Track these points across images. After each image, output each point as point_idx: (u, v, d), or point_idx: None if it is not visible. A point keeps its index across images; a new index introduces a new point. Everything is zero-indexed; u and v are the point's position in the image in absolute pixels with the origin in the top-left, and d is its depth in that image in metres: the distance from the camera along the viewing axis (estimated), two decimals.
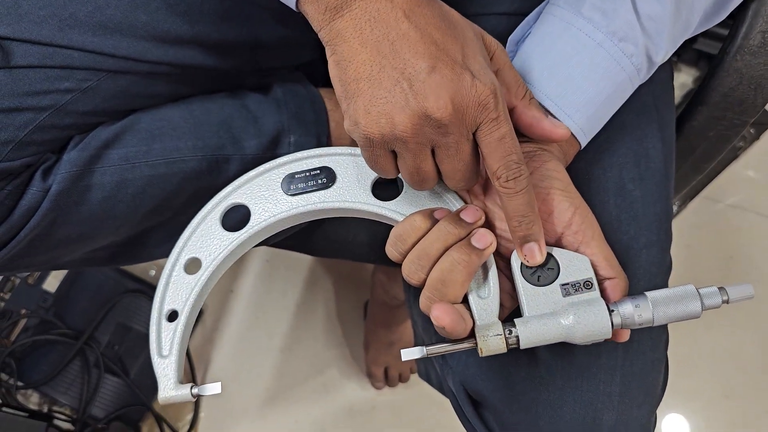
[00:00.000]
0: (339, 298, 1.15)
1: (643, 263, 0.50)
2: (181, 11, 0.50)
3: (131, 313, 1.05)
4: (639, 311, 0.40)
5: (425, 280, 0.42)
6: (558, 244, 0.43)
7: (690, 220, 1.18)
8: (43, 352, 1.02)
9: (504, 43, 0.53)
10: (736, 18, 0.56)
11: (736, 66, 0.56)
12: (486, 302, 0.42)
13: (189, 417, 1.06)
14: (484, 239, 0.41)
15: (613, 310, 0.41)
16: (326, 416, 1.07)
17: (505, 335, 0.40)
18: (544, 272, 0.42)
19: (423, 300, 0.42)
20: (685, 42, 0.50)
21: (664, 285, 0.51)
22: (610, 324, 0.40)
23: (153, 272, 1.12)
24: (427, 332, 0.61)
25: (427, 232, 0.43)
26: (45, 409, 1.02)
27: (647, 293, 0.41)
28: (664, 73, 0.57)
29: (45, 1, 0.47)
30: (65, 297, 1.06)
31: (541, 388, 0.47)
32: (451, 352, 0.42)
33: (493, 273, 0.43)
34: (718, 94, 0.56)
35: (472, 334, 0.41)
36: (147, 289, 1.07)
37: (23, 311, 1.05)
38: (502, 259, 0.45)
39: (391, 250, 0.44)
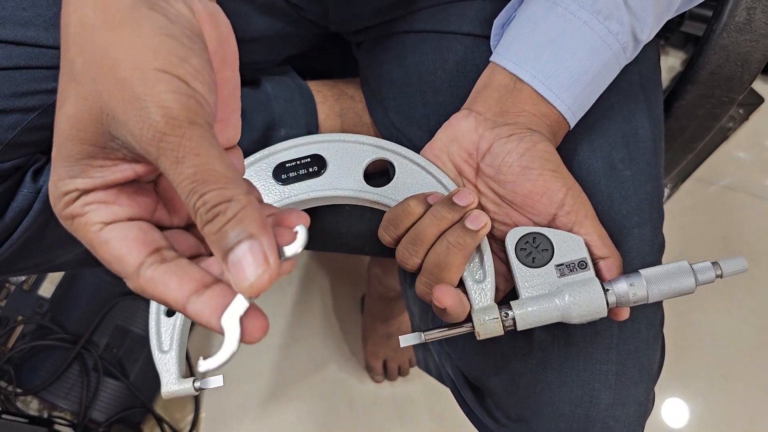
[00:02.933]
0: (335, 293, 1.15)
1: (635, 242, 0.50)
2: None
3: (129, 316, 1.05)
4: (633, 289, 0.41)
5: (420, 265, 0.42)
6: (551, 224, 0.44)
7: (683, 201, 1.19)
8: (41, 357, 1.01)
9: (477, 57, 0.53)
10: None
11: (722, 43, 0.56)
12: (482, 285, 0.42)
13: (190, 417, 1.05)
14: (477, 221, 0.41)
15: (608, 289, 0.41)
16: (327, 411, 1.07)
17: (501, 318, 0.41)
18: (538, 253, 0.42)
19: (419, 285, 0.42)
20: (672, 25, 0.50)
21: (658, 263, 0.52)
22: (605, 303, 0.40)
23: None
24: (424, 321, 0.61)
25: (420, 217, 0.43)
26: (45, 415, 1.01)
27: (641, 270, 0.41)
28: (651, 53, 0.58)
29: (27, 3, 0.47)
30: (61, 302, 1.05)
31: (539, 369, 0.48)
32: (449, 336, 0.42)
33: (487, 256, 0.43)
34: (706, 72, 0.56)
35: (468, 318, 0.41)
36: None
37: (19, 317, 1.04)
38: (496, 241, 0.45)
39: (384, 234, 0.44)
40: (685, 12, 0.85)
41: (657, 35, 0.52)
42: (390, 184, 0.47)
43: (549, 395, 0.47)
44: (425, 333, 0.41)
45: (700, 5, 0.52)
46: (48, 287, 1.07)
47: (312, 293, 1.14)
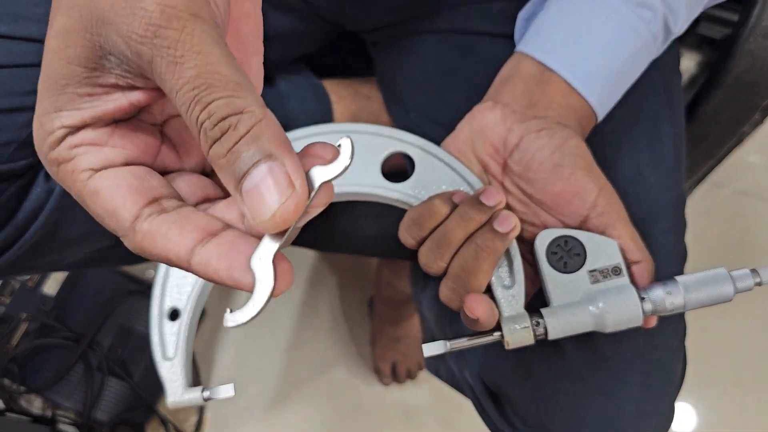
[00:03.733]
0: (343, 295, 1.14)
1: (660, 249, 0.49)
2: None
3: (133, 315, 1.04)
4: (671, 297, 0.39)
5: (445, 269, 0.40)
6: (583, 226, 0.41)
7: (696, 206, 1.18)
8: (46, 356, 1.00)
9: (501, 55, 0.51)
10: (746, 1, 0.55)
11: (748, 48, 0.55)
12: (511, 292, 0.40)
13: (194, 418, 1.04)
14: (507, 222, 0.39)
15: (644, 297, 0.39)
16: (334, 415, 1.06)
17: (532, 326, 0.39)
18: (570, 258, 0.40)
19: (444, 290, 0.41)
20: (690, 26, 0.49)
21: (681, 271, 0.51)
22: (641, 311, 0.39)
23: (153, 272, 1.11)
24: (440, 326, 0.60)
25: (446, 218, 0.40)
26: (49, 414, 1.01)
27: (678, 278, 0.39)
28: (672, 58, 0.56)
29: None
30: (66, 300, 1.04)
31: (563, 378, 0.46)
32: (476, 345, 0.40)
33: (517, 261, 0.41)
34: (732, 76, 0.56)
35: (497, 327, 0.39)
36: (148, 290, 1.05)
37: (24, 315, 1.03)
38: (523, 243, 0.43)
39: (406, 235, 0.42)
40: (700, 14, 0.84)
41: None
42: (409, 180, 0.44)
43: (572, 405, 0.46)
44: (451, 342, 0.39)
45: (717, 7, 0.51)
46: (53, 285, 1.06)
47: (319, 294, 1.13)
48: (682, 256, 0.51)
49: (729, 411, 1.06)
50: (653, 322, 0.42)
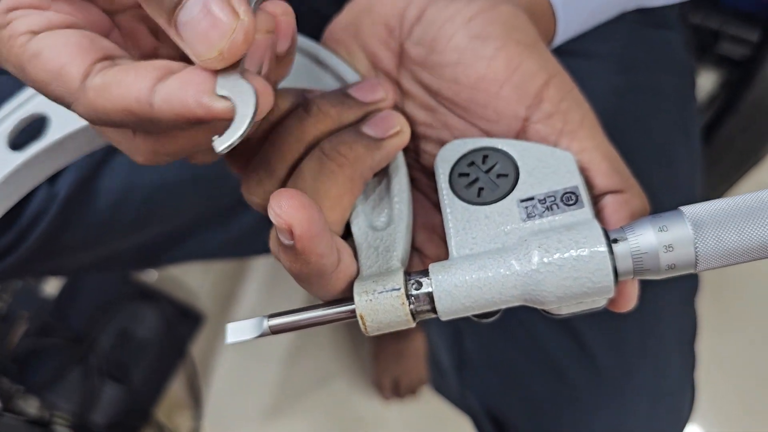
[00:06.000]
0: None
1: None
2: None
3: (133, 319, 1.04)
4: (666, 240, 0.21)
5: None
6: (519, 136, 0.26)
7: None
8: (45, 356, 1.00)
9: None
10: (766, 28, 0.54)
11: (764, 75, 0.54)
12: (382, 235, 0.25)
13: (191, 425, 1.04)
14: (384, 123, 0.26)
15: (616, 240, 0.22)
16: (333, 428, 1.05)
17: (406, 291, 0.22)
18: (489, 182, 0.25)
19: (273, 239, 0.24)
20: (708, 46, 0.48)
21: (693, 301, 0.49)
22: (610, 268, 0.21)
23: (156, 276, 1.11)
24: (447, 346, 0.57)
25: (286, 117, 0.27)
26: (45, 415, 1.00)
27: (683, 207, 0.22)
28: (687, 80, 0.55)
29: None
30: (67, 301, 1.04)
31: (568, 406, 0.45)
32: (305, 325, 0.24)
33: (400, 186, 0.26)
34: (748, 102, 0.55)
35: (350, 295, 0.23)
36: (150, 294, 1.05)
37: (24, 315, 1.03)
38: (426, 174, 0.29)
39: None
40: (720, 32, 0.83)
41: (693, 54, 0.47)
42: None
43: None
44: (270, 320, 0.24)
45: (736, 26, 0.50)
46: (54, 285, 1.07)
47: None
48: (694, 283, 0.50)
49: None
50: (633, 295, 0.24)
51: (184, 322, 1.06)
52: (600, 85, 0.50)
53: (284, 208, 0.21)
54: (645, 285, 0.26)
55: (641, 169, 0.49)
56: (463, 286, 0.22)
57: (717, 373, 1.08)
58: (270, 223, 0.22)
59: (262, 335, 0.24)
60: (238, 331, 0.24)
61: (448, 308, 0.22)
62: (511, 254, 0.22)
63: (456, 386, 0.56)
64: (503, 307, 0.23)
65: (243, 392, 1.06)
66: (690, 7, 0.49)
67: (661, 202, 0.49)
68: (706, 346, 1.10)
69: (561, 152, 0.25)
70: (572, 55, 0.42)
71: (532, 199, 0.24)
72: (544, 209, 0.23)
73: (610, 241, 0.22)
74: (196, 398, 1.04)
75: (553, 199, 0.24)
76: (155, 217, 0.53)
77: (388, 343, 1.02)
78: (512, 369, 0.48)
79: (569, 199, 0.23)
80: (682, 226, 0.21)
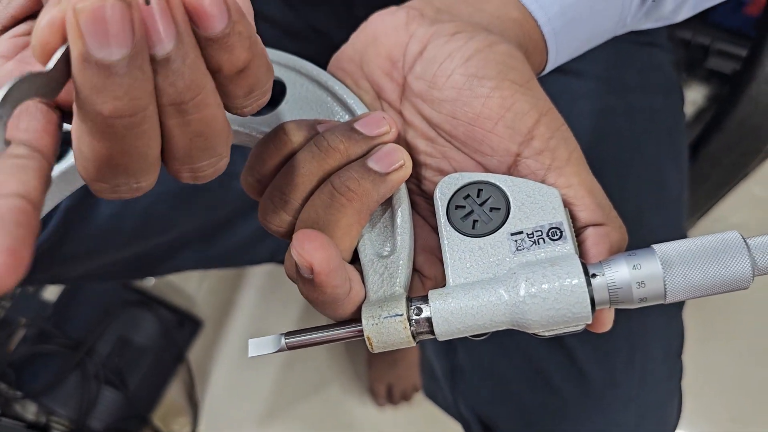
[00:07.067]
0: None
1: None
2: None
3: (132, 325, 1.04)
4: (639, 275, 0.24)
5: (292, 226, 0.28)
6: (514, 171, 0.28)
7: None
8: (43, 362, 1.01)
9: None
10: (753, 46, 0.55)
11: (750, 93, 0.55)
12: (386, 262, 0.27)
13: (187, 431, 1.04)
14: (388, 158, 0.28)
15: (594, 275, 0.25)
16: None
17: (408, 316, 0.25)
18: (483, 214, 0.27)
19: (289, 260, 0.27)
20: (698, 60, 0.49)
21: (679, 316, 0.50)
22: (587, 298, 0.24)
23: (153, 283, 1.11)
24: (448, 377, 0.57)
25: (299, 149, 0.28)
26: (43, 420, 1.01)
27: (655, 246, 0.25)
28: (675, 99, 0.57)
29: None
30: (65, 307, 1.05)
31: (556, 417, 0.47)
32: (317, 343, 0.27)
33: (403, 215, 0.28)
34: (734, 121, 0.56)
35: (358, 316, 0.26)
36: (148, 301, 1.06)
37: (23, 320, 1.04)
38: (427, 200, 0.31)
39: (246, 176, 0.29)
40: (709, 47, 0.84)
41: (682, 70, 0.49)
42: (273, 113, 0.31)
43: None
44: (287, 337, 0.27)
45: (725, 42, 0.51)
46: (53, 291, 1.07)
47: (316, 312, 1.13)
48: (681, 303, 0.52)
49: None
50: (608, 321, 0.27)
51: (181, 328, 1.07)
52: (590, 104, 0.51)
53: (306, 249, 0.24)
54: None
55: (631, 187, 0.51)
56: (458, 312, 0.25)
57: (703, 382, 1.09)
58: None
59: (279, 350, 0.27)
60: (259, 346, 0.27)
61: (444, 331, 0.26)
62: (501, 285, 0.25)
63: (448, 394, 0.57)
64: (493, 330, 0.26)
65: (239, 398, 1.07)
66: (679, 24, 0.50)
67: (651, 220, 0.50)
68: (691, 357, 1.11)
69: (548, 189, 0.27)
70: (563, 72, 0.43)
71: (521, 232, 0.27)
72: (531, 243, 0.26)
73: (589, 276, 0.25)
74: (193, 404, 1.05)
75: (540, 233, 0.26)
76: (154, 228, 0.54)
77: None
78: (503, 379, 0.49)
79: (554, 234, 0.26)
80: (654, 264, 0.24)
